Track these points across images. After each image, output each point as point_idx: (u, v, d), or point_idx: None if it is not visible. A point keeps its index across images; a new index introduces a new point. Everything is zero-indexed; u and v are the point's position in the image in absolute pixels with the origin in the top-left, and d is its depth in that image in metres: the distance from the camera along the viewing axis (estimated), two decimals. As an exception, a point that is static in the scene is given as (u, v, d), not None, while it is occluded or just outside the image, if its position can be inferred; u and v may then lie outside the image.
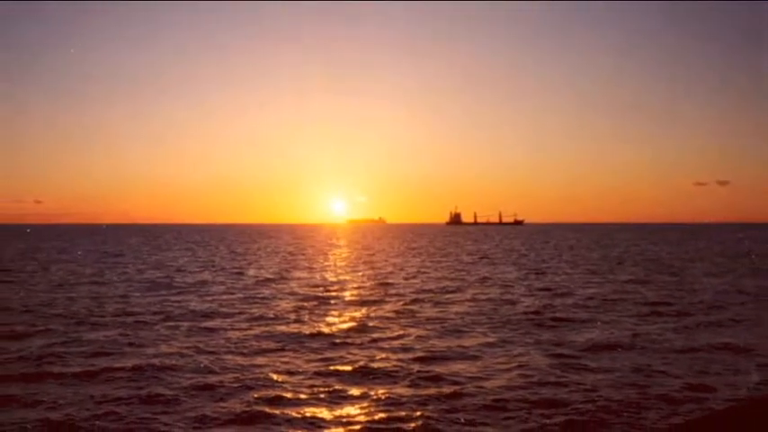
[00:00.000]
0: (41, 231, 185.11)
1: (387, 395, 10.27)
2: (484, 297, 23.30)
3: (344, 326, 17.01)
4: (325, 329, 16.36)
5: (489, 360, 12.88)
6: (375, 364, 12.34)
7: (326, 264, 44.22)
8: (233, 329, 16.28)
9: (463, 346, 14.17)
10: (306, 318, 18.35)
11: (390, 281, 30.09)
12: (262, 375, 11.50)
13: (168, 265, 41.64)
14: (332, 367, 12.21)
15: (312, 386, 10.84)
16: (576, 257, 49.41)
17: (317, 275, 33.77)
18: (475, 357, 13.14)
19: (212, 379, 11.22)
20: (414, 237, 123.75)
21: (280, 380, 11.24)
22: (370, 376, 11.56)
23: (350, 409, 9.63)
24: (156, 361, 12.47)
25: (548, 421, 9.03)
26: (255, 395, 10.26)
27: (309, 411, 9.51)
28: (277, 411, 9.47)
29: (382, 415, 9.33)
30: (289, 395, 10.27)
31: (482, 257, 50.21)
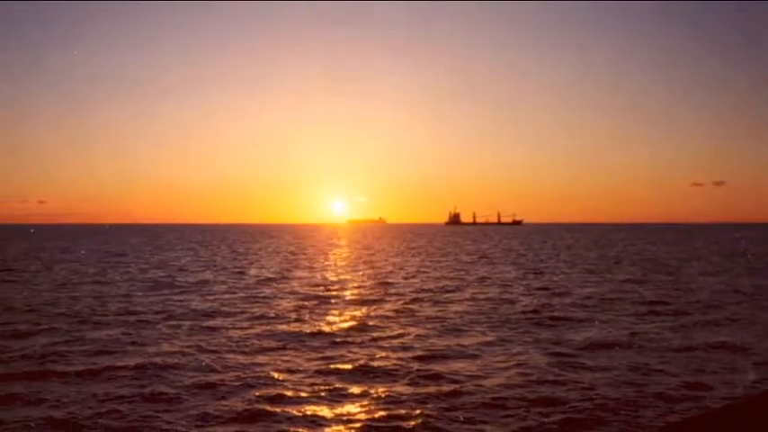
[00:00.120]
0: (45, 231, 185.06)
1: (387, 393, 10.35)
2: (483, 296, 23.38)
3: (345, 325, 17.10)
4: (326, 328, 16.45)
5: (488, 359, 12.96)
6: (375, 363, 12.43)
7: (327, 263, 44.30)
8: (234, 328, 16.36)
9: (462, 345, 14.25)
10: (307, 317, 18.44)
11: (390, 280, 30.17)
12: (263, 374, 11.58)
13: (170, 264, 41.72)
14: (332, 366, 12.28)
15: (313, 384, 10.92)
16: (573, 257, 49.49)
17: (318, 275, 33.85)
18: (474, 356, 13.21)
19: (214, 377, 11.30)
20: (413, 237, 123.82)
21: (281, 378, 11.32)
22: (371, 375, 11.64)
23: (350, 408, 9.71)
24: (158, 360, 12.55)
25: (546, 419, 9.09)
26: (257, 393, 10.34)
27: (310, 409, 9.59)
28: (278, 409, 9.54)
29: (382, 413, 9.40)
30: (290, 393, 10.35)
31: (481, 257, 50.28)
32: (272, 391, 10.44)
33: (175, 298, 22.95)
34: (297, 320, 17.76)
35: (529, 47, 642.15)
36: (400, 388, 10.74)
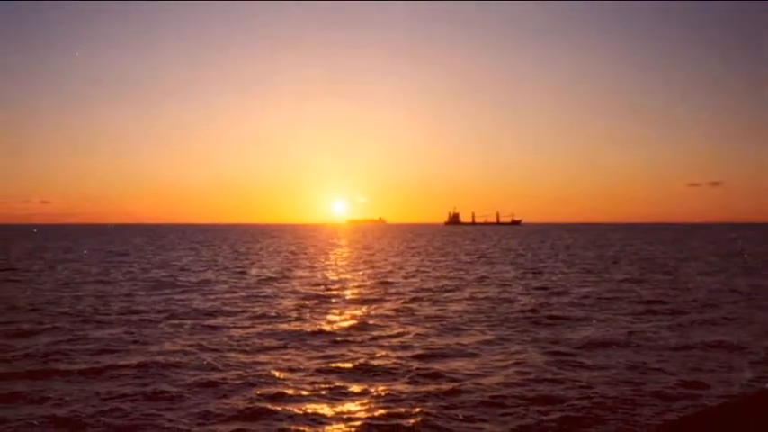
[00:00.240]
0: (48, 231, 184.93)
1: (386, 392, 10.42)
2: (482, 296, 23.46)
3: (345, 324, 17.18)
4: (327, 327, 16.52)
5: (487, 357, 13.04)
6: (375, 362, 12.51)
7: (327, 263, 44.37)
8: (236, 327, 16.44)
9: (461, 344, 14.33)
10: (307, 316, 18.52)
11: (390, 280, 30.25)
12: (264, 372, 11.65)
13: (172, 264, 41.81)
14: (333, 364, 12.36)
15: (313, 383, 10.99)
16: (572, 257, 49.57)
17: (319, 274, 33.93)
18: (473, 355, 13.29)
19: (215, 376, 11.37)
20: (413, 236, 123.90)
21: (282, 377, 11.39)
22: (371, 373, 11.71)
23: (350, 406, 9.78)
24: (160, 358, 12.62)
25: (544, 417, 9.16)
26: (258, 392, 10.40)
27: (311, 408, 9.66)
28: (279, 408, 9.60)
29: (382, 411, 9.47)
30: (290, 392, 10.42)
31: (480, 257, 50.35)
32: (273, 390, 10.50)
33: (177, 297, 23.03)
34: (298, 319, 17.85)
35: (527, 48, 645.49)
36: (400, 386, 10.81)
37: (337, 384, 10.90)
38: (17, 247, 70.71)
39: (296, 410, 9.52)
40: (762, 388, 10.73)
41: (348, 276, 32.66)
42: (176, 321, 17.39)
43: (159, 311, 19.25)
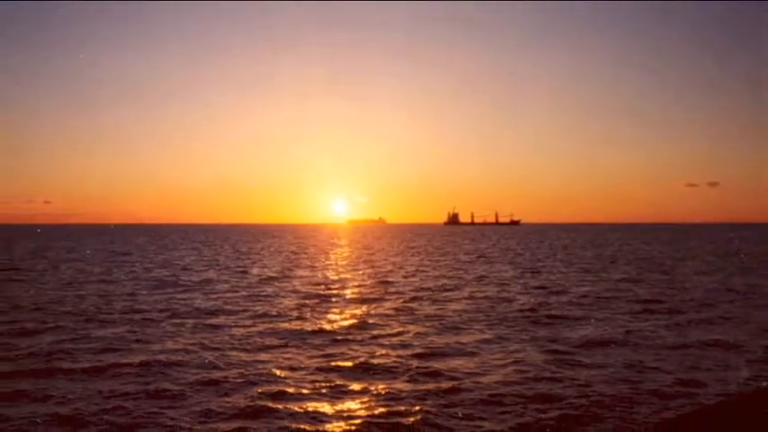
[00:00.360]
0: (51, 231, 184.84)
1: (386, 390, 10.50)
2: (481, 295, 23.54)
3: (345, 323, 17.26)
4: (327, 326, 16.59)
5: (486, 356, 13.11)
6: (375, 360, 12.58)
7: (328, 263, 44.45)
8: (237, 326, 16.53)
9: (461, 343, 14.40)
10: (308, 315, 18.60)
11: (390, 279, 30.33)
12: (265, 371, 11.72)
13: (174, 263, 41.90)
14: (333, 363, 12.43)
15: (314, 381, 11.07)
16: (570, 256, 49.65)
17: (319, 274, 34.01)
18: (472, 354, 13.36)
19: (217, 374, 11.44)
20: (413, 236, 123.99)
21: (283, 375, 11.46)
22: (371, 372, 11.78)
23: (351, 404, 9.85)
24: (162, 357, 12.70)
25: (543, 416, 9.21)
26: (259, 390, 10.47)
27: (312, 406, 9.72)
28: (280, 406, 9.67)
29: (382, 409, 9.53)
30: (291, 390, 10.49)
31: (479, 256, 50.43)
32: (275, 388, 10.57)
33: (179, 296, 23.12)
34: (298, 318, 17.93)
35: (526, 50, 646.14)
36: (400, 385, 10.88)
37: (338, 383, 10.97)
38: (20, 246, 70.78)
39: (297, 408, 9.58)
40: (758, 386, 10.78)
41: (348, 276, 32.75)
42: (178, 320, 17.48)
43: (161, 310, 19.34)
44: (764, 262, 42.56)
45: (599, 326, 16.65)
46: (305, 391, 10.46)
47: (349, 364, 12.38)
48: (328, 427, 8.90)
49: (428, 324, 17.00)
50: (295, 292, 24.99)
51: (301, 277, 31.69)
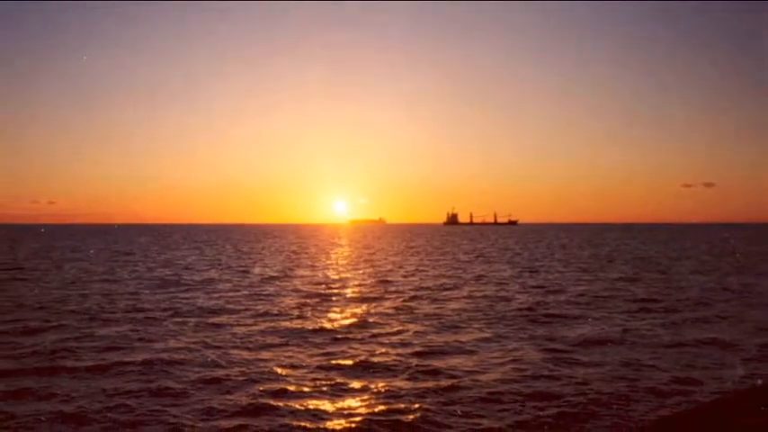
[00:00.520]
0: (55, 231, 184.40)
1: (386, 388, 10.59)
2: (480, 294, 23.66)
3: (346, 322, 17.36)
4: (328, 325, 16.69)
5: (485, 354, 13.21)
6: (375, 359, 12.67)
7: (329, 262, 44.55)
8: (239, 325, 16.63)
9: (460, 342, 14.50)
10: (309, 314, 18.70)
11: (390, 279, 30.43)
12: (267, 369, 11.82)
13: (177, 263, 41.97)
14: (334, 361, 12.52)
15: (315, 379, 11.16)
16: (568, 256, 49.75)
17: (320, 273, 34.11)
18: (471, 352, 13.45)
19: (219, 373, 11.54)
20: (412, 236, 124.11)
21: (284, 373, 11.55)
22: (371, 370, 11.88)
23: (351, 402, 9.94)
24: (165, 355, 12.80)
25: (541, 413, 9.30)
26: (261, 388, 10.57)
27: (312, 404, 9.81)
28: (281, 404, 9.75)
29: (382, 407, 9.62)
30: (292, 388, 10.58)
31: (478, 256, 50.54)
32: (276, 386, 10.65)
33: (182, 296, 23.23)
34: (299, 317, 18.03)
35: (524, 51, 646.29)
36: (399, 383, 10.97)
37: (338, 381, 11.05)
38: (25, 246, 70.70)
39: (298, 406, 9.67)
40: (753, 385, 10.87)
41: (349, 275, 32.85)
42: (181, 319, 17.58)
43: (164, 309, 19.44)
44: (759, 261, 42.69)
45: (596, 324, 16.76)
46: (306, 389, 10.55)
47: (349, 362, 12.47)
48: (329, 424, 8.98)
49: (427, 323, 17.10)
50: (296, 291, 25.10)
51: (302, 276, 31.80)
